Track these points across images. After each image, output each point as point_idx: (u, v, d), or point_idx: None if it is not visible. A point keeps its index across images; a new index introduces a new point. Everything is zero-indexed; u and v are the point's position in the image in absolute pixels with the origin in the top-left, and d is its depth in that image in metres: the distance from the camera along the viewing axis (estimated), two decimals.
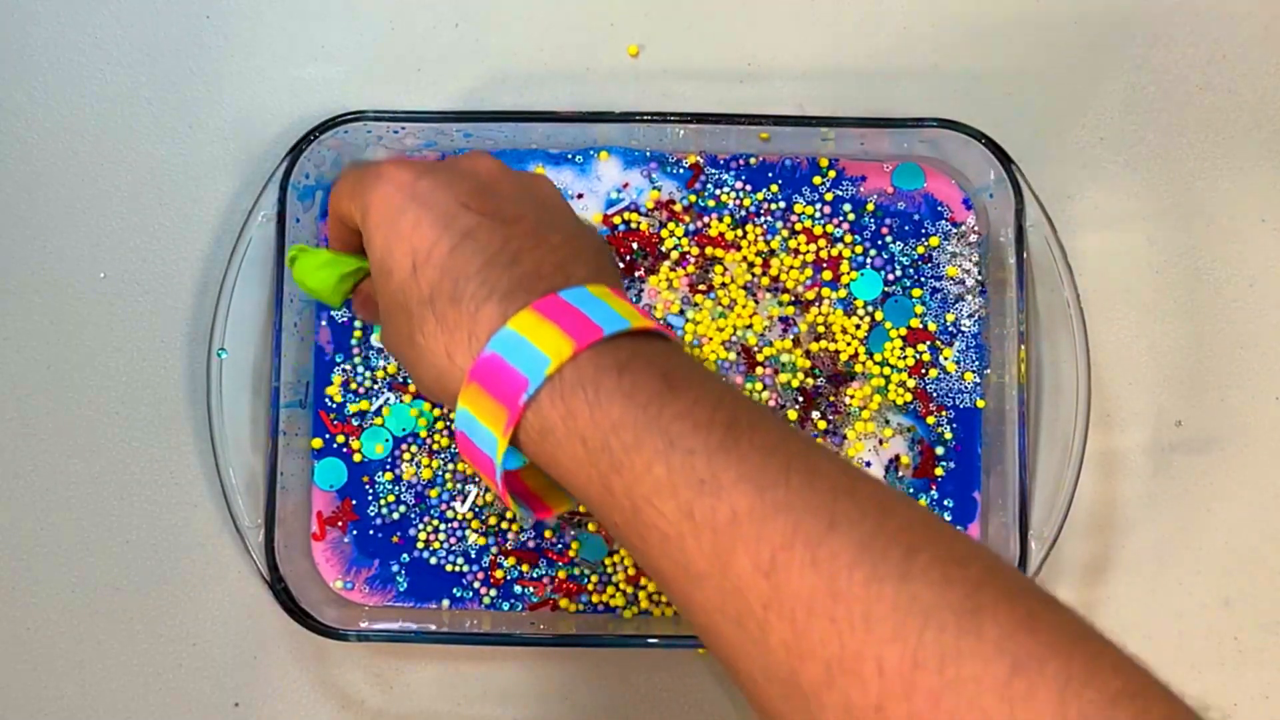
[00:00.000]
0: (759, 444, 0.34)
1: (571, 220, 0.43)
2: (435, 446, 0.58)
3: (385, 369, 0.59)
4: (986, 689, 0.29)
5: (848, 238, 0.59)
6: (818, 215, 0.59)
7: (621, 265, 0.59)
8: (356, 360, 0.59)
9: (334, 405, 0.58)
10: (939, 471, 0.58)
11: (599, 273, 0.40)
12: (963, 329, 0.59)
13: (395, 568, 0.58)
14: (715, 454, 0.34)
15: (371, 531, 0.58)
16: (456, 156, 0.43)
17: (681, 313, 0.59)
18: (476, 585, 0.58)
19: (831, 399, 0.58)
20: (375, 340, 0.59)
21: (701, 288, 0.59)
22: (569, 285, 0.38)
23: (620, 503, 0.35)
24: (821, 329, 0.59)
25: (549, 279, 0.39)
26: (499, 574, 0.58)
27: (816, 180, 0.60)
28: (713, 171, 0.60)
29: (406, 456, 0.58)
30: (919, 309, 0.59)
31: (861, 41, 0.62)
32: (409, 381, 0.59)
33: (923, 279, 0.59)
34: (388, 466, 0.58)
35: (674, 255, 0.59)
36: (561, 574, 0.58)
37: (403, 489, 0.58)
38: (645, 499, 0.34)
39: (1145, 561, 0.60)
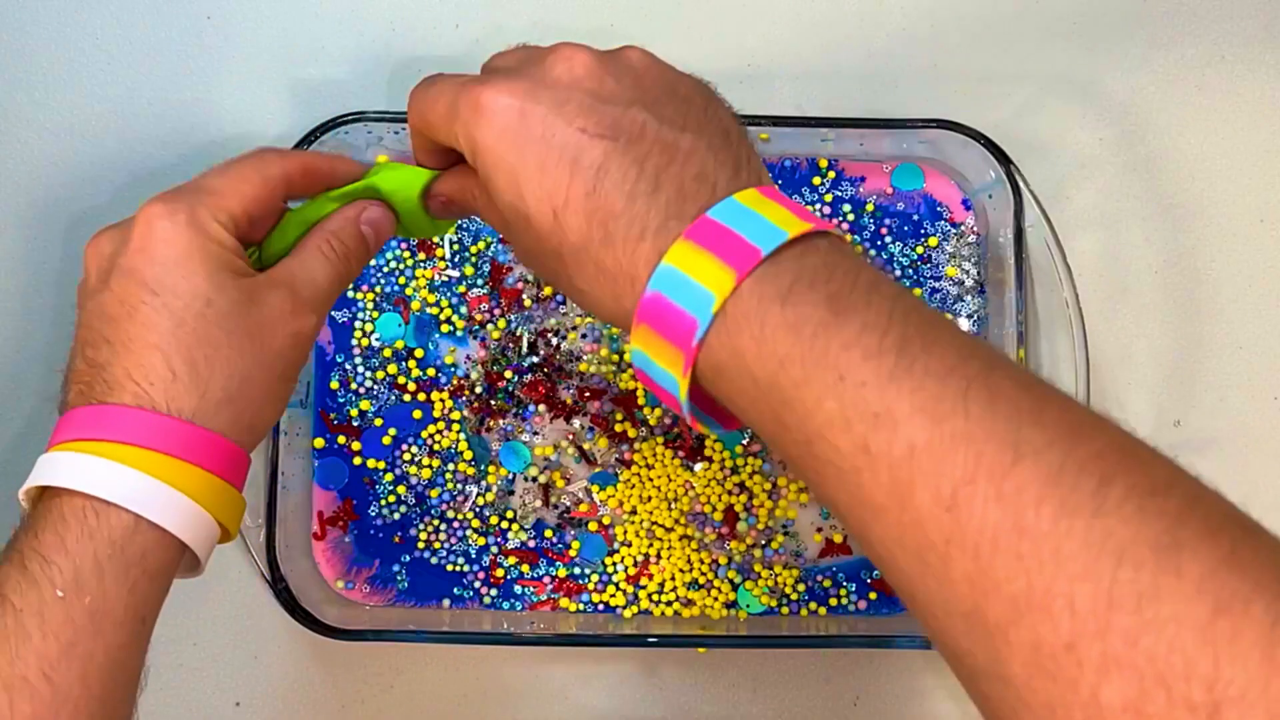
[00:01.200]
0: (933, 368, 0.33)
1: (685, 99, 0.39)
2: (435, 447, 0.58)
3: (385, 369, 0.59)
4: (1187, 629, 0.28)
5: (847, 238, 0.59)
6: (817, 216, 0.59)
7: None
8: (357, 360, 0.59)
9: (334, 405, 0.59)
10: None
11: (739, 167, 0.38)
12: (962, 329, 0.59)
13: (396, 568, 0.58)
14: (887, 385, 0.32)
15: (372, 531, 0.58)
16: (541, 59, 0.39)
17: None
18: (477, 585, 0.58)
19: None
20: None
21: None
22: (715, 199, 0.36)
23: (794, 437, 0.34)
24: None
25: (694, 197, 0.37)
26: (499, 574, 0.58)
27: (816, 181, 0.60)
28: None
29: (406, 456, 0.58)
30: None
31: (861, 41, 0.62)
32: (409, 382, 0.59)
33: (922, 279, 0.59)
34: (388, 466, 0.58)
35: None
36: (561, 574, 0.58)
37: (403, 489, 0.58)
38: (818, 434, 0.33)
39: None
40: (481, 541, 0.58)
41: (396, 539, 0.58)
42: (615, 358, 0.59)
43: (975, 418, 0.31)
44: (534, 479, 0.58)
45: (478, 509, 0.58)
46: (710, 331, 0.35)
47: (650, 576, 0.58)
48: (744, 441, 0.59)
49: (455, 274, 0.59)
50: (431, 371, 0.59)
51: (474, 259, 0.59)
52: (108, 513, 0.38)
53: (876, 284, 0.35)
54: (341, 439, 0.58)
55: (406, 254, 0.59)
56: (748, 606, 0.58)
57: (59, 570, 0.38)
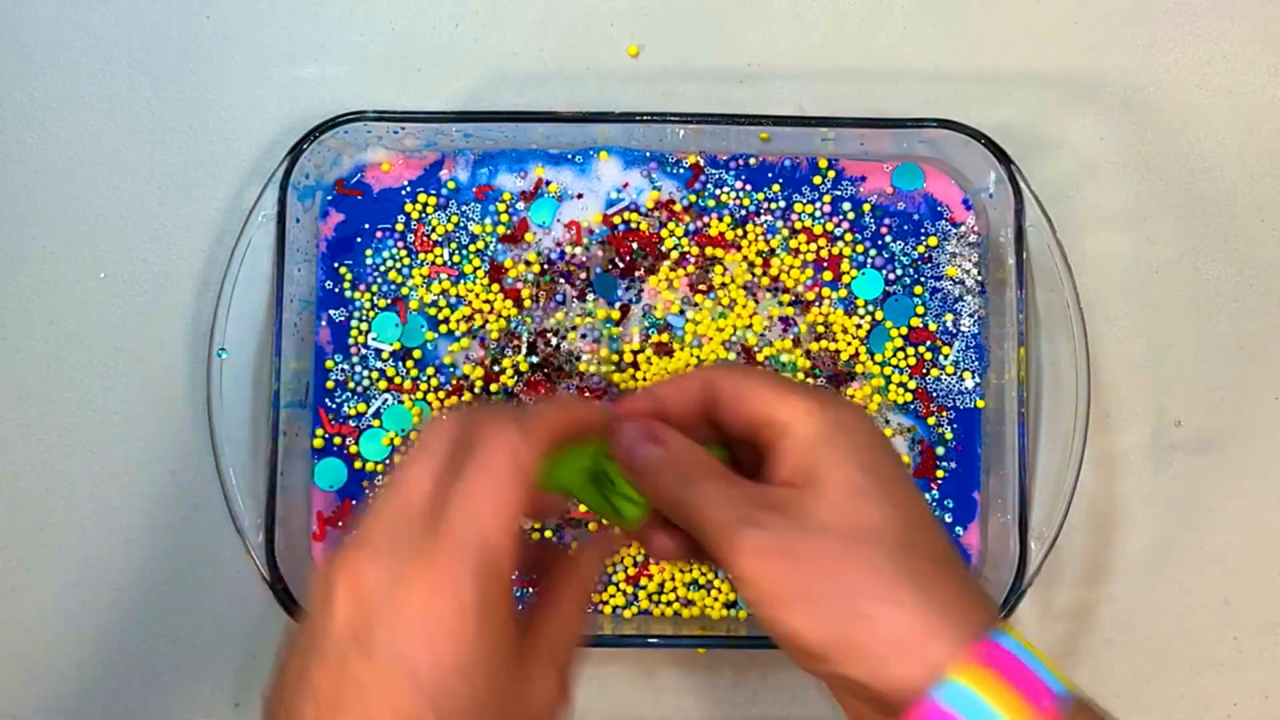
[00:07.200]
0: None
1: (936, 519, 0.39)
2: None
3: (384, 371, 0.58)
4: None
5: (848, 237, 0.59)
6: (818, 215, 0.59)
7: (621, 265, 0.59)
8: (355, 361, 0.59)
9: (333, 406, 0.58)
10: (939, 472, 0.58)
11: (993, 602, 0.37)
12: (962, 329, 0.59)
13: None
14: None
15: None
16: (846, 416, 0.37)
17: (681, 313, 0.59)
18: None
19: None
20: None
21: (701, 288, 0.59)
22: (991, 623, 0.34)
23: None
24: (821, 329, 0.59)
25: (971, 610, 0.34)
26: None
27: (816, 180, 0.60)
28: (713, 171, 0.60)
29: None
30: (919, 309, 0.59)
31: (861, 41, 0.62)
32: (405, 381, 0.59)
33: (922, 279, 0.59)
34: (388, 467, 0.58)
35: (674, 255, 0.59)
36: None
37: None
38: None
39: (1145, 561, 0.60)
40: None
41: None
42: (615, 357, 0.58)
43: None
44: None
45: None
46: None
47: (650, 576, 0.58)
48: None
49: (454, 273, 0.59)
50: (430, 371, 0.59)
51: (474, 258, 0.59)
52: None
53: None
54: (340, 439, 0.58)
55: (404, 253, 0.59)
56: None
57: None
